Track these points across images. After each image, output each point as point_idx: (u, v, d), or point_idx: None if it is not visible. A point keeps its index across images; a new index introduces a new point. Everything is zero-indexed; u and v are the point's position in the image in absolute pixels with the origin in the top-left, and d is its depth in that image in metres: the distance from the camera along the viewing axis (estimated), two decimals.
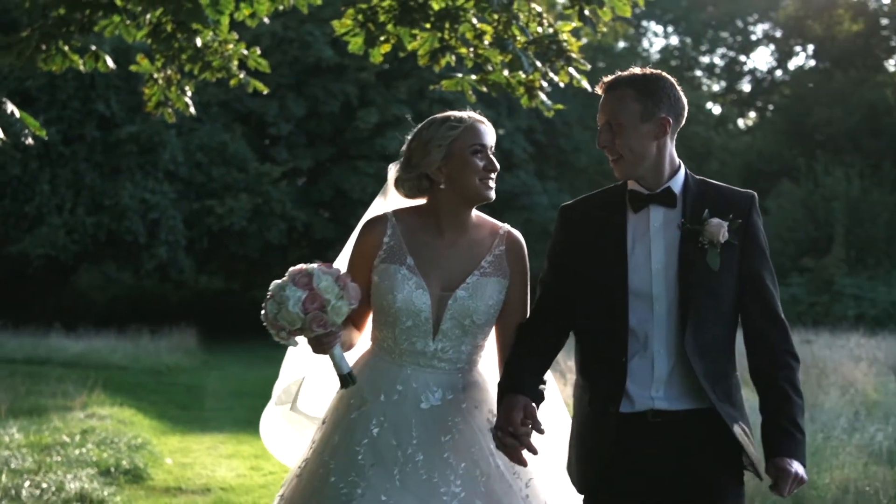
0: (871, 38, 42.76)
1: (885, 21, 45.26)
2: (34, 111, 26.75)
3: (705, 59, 50.61)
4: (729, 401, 3.78)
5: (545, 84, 6.88)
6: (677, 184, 3.86)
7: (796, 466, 3.63)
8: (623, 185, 3.93)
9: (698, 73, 49.92)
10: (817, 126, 39.85)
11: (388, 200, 4.30)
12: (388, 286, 4.01)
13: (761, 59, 72.21)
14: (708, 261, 3.74)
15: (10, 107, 6.41)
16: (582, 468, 3.88)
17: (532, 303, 4.03)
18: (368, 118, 33.29)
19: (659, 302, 3.77)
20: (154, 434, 12.85)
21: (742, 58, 50.01)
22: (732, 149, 41.50)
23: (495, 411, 3.91)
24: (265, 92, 8.46)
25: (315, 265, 3.89)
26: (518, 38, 6.65)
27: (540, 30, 6.74)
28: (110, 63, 8.32)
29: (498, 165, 4.09)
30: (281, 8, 7.79)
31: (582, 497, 3.93)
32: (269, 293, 3.85)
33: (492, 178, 4.06)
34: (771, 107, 47.99)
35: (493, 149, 4.10)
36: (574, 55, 6.69)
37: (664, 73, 3.87)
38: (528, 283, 4.18)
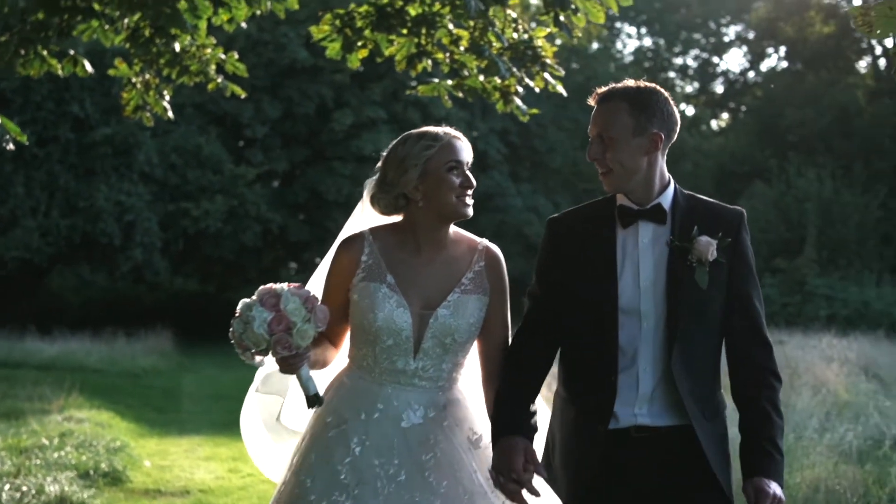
0: (843, 40, 43.00)
1: None
2: (8, 113, 26.64)
3: (678, 61, 50.76)
4: (714, 419, 3.80)
5: (520, 89, 6.96)
6: (667, 200, 3.83)
7: (774, 487, 3.64)
8: (612, 198, 3.90)
9: (671, 74, 50.04)
10: (789, 127, 40.04)
11: (365, 215, 4.25)
12: (368, 305, 3.97)
13: (734, 60, 72.66)
14: (696, 278, 3.72)
15: None
16: (568, 481, 3.84)
17: (521, 315, 3.98)
18: (343, 120, 33.29)
19: (647, 319, 3.76)
20: (132, 437, 12.87)
21: (715, 59, 50.18)
22: (705, 150, 41.65)
23: (476, 429, 3.96)
24: (243, 96, 8.51)
25: (285, 286, 3.83)
26: (494, 43, 6.73)
27: (515, 36, 6.81)
28: (89, 68, 8.37)
29: (474, 182, 4.03)
30: (258, 13, 7.82)
31: None
32: (237, 312, 3.80)
33: (469, 195, 4.02)
34: (744, 108, 48.15)
35: (469, 164, 4.06)
36: (549, 61, 6.77)
37: (658, 88, 3.84)
38: (508, 298, 4.16)
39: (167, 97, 8.55)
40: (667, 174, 3.87)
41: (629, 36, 50.88)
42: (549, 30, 6.67)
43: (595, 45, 44.17)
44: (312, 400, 3.87)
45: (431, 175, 3.97)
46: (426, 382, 4.01)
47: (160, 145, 31.58)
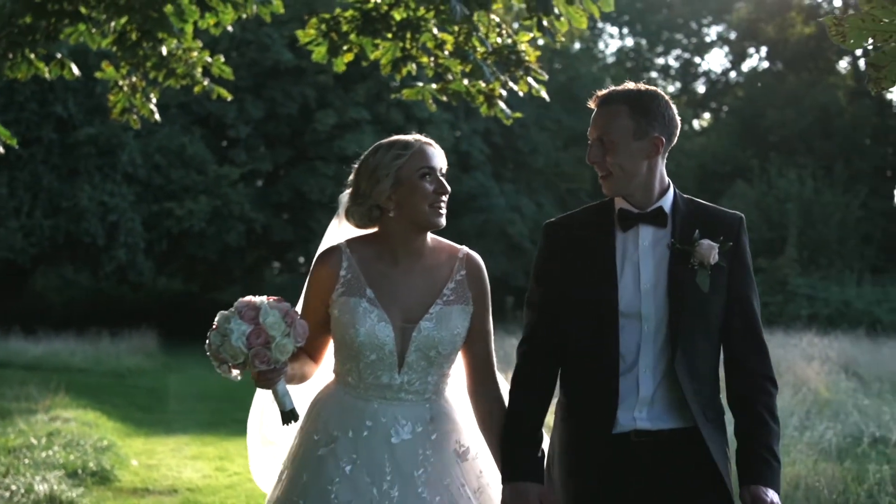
0: (823, 41, 43.13)
1: None
2: None
3: (660, 61, 50.93)
4: (715, 422, 3.76)
5: (504, 93, 7.02)
6: (667, 203, 3.78)
7: (771, 495, 3.61)
8: (609, 202, 3.84)
9: (653, 74, 50.17)
10: (771, 128, 40.21)
11: (342, 230, 4.16)
12: (349, 320, 3.88)
13: (715, 60, 72.81)
14: (698, 282, 3.67)
15: None
16: (571, 487, 3.78)
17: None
18: (326, 120, 33.34)
19: (647, 322, 3.70)
20: (119, 436, 12.88)
21: (696, 59, 50.36)
22: (687, 150, 41.76)
23: (462, 441, 3.95)
24: (229, 99, 8.58)
25: (264, 299, 3.76)
26: (478, 48, 6.78)
27: (499, 40, 6.86)
28: (76, 71, 8.44)
29: (448, 188, 3.94)
30: (244, 16, 7.88)
31: None
32: (214, 324, 3.71)
33: (443, 203, 3.92)
34: (725, 108, 48.35)
35: (443, 170, 3.97)
36: (532, 65, 6.84)
37: (659, 91, 3.79)
38: (490, 306, 4.09)
39: (154, 100, 8.61)
40: (666, 178, 3.83)
41: (611, 36, 51.19)
42: (532, 34, 6.72)
43: (577, 46, 44.27)
44: (288, 416, 3.79)
45: (404, 183, 3.89)
46: (412, 396, 3.93)
47: (144, 145, 31.58)
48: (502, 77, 6.82)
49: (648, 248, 3.75)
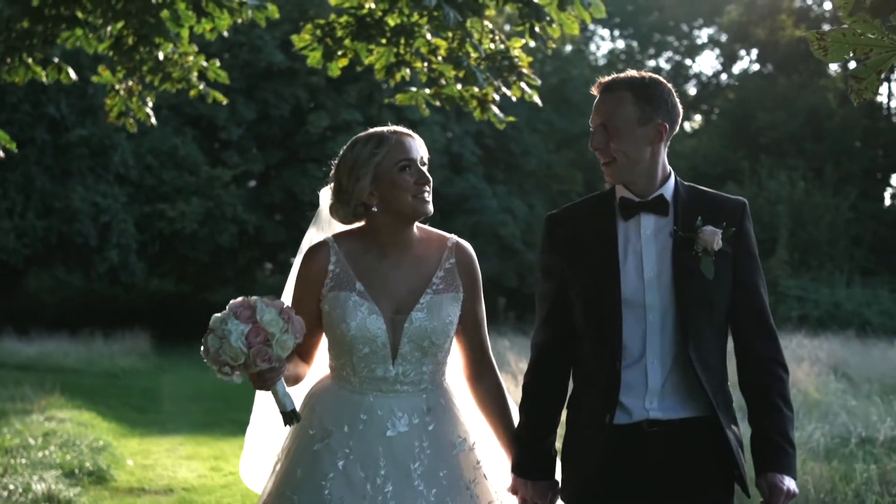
0: None
1: (827, 26, 45.56)
2: None
3: (651, 63, 50.94)
4: (727, 410, 3.72)
5: (497, 97, 7.09)
6: (668, 191, 3.76)
7: (788, 482, 3.61)
8: (610, 192, 3.83)
9: None
10: (761, 130, 40.26)
11: (322, 229, 4.17)
12: (339, 314, 3.86)
13: (706, 63, 72.64)
14: (702, 269, 3.65)
15: None
16: (578, 478, 3.78)
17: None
18: (319, 122, 33.32)
19: (652, 311, 3.67)
20: (114, 436, 12.95)
21: (687, 62, 50.43)
22: (678, 152, 41.75)
23: (459, 432, 3.94)
24: (225, 102, 8.66)
25: (257, 298, 3.71)
26: (471, 54, 6.84)
27: (492, 46, 6.93)
28: (73, 75, 8.52)
29: (430, 177, 3.93)
30: (240, 21, 7.95)
31: None
32: (209, 328, 3.67)
33: (426, 192, 3.90)
34: (716, 110, 48.41)
35: (424, 160, 3.95)
36: (525, 70, 6.92)
37: (661, 79, 3.78)
38: (482, 294, 4.08)
39: (150, 104, 8.69)
40: (668, 166, 3.80)
41: (602, 38, 51.04)
42: (524, 40, 6.79)
43: (569, 48, 44.33)
44: (289, 416, 3.76)
45: (384, 178, 3.88)
46: (408, 387, 3.91)
47: (136, 147, 31.57)
48: (495, 82, 6.89)
49: (651, 237, 3.73)
